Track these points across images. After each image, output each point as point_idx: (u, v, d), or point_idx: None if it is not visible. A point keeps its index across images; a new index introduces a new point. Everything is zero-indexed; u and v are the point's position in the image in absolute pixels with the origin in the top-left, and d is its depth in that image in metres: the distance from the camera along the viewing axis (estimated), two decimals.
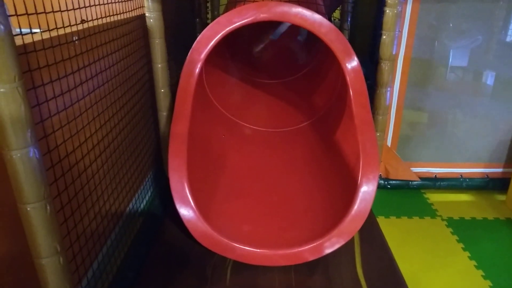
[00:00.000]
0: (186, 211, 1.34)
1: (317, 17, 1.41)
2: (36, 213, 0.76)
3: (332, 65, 1.92)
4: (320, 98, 2.04)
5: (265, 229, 1.43)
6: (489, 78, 2.29)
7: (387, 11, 1.51)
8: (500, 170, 2.35)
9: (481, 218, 2.12)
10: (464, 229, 2.03)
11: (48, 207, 0.77)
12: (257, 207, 1.54)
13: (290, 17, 1.43)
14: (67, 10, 0.91)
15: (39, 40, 0.82)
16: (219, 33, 1.44)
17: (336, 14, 2.67)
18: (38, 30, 0.82)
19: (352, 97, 1.45)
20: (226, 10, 1.75)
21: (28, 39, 0.79)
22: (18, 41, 0.74)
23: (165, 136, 1.62)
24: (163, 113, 1.61)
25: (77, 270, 0.96)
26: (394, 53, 1.56)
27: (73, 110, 0.98)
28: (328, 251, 1.31)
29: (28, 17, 0.77)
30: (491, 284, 1.67)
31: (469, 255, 1.84)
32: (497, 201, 2.28)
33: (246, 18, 1.41)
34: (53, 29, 0.86)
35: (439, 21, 2.13)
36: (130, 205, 1.40)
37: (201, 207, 1.36)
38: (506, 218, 2.13)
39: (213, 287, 1.24)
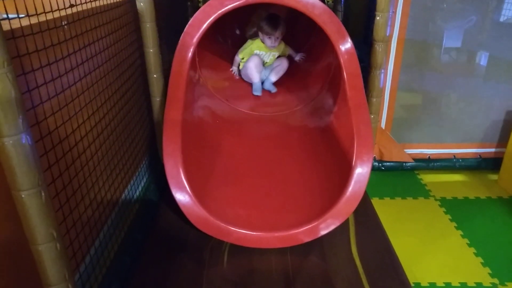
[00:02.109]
0: (182, 196, 1.35)
1: None
2: (31, 200, 0.76)
3: (326, 48, 1.91)
4: (314, 81, 2.03)
5: (261, 212, 1.44)
6: (482, 59, 2.28)
7: None
8: (492, 150, 2.37)
9: (474, 198, 2.15)
10: (457, 209, 2.06)
11: (42, 194, 0.77)
12: (253, 190, 1.55)
13: None
14: None
15: (27, 25, 0.80)
16: (211, 16, 1.42)
17: None
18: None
19: (346, 79, 1.45)
20: None
21: (15, 25, 0.78)
22: (5, 26, 0.72)
23: (159, 121, 1.61)
24: (156, 99, 1.60)
25: (75, 256, 0.96)
26: (388, 34, 1.55)
27: (65, 96, 0.96)
28: (323, 232, 1.33)
29: (14, 1, 0.75)
30: (483, 261, 1.71)
31: (462, 233, 1.88)
32: (490, 180, 2.31)
33: (239, 0, 1.39)
34: (41, 13, 0.84)
35: (433, 2, 2.11)
36: (126, 191, 1.40)
37: (197, 191, 1.36)
38: (498, 197, 2.16)
39: (210, 270, 1.26)
